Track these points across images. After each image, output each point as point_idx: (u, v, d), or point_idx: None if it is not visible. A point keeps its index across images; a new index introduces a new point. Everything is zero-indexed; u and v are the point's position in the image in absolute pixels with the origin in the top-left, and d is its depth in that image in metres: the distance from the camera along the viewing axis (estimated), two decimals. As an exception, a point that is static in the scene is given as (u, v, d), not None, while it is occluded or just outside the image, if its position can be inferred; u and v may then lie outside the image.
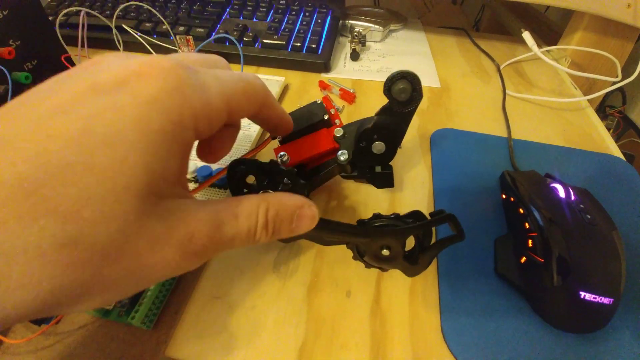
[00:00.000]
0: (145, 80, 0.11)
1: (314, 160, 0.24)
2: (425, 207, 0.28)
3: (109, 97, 0.11)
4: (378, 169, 0.24)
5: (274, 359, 0.20)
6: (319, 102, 0.24)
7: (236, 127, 0.17)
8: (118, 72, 0.11)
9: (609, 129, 0.56)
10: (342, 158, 0.23)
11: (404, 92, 0.20)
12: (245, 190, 0.20)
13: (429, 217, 0.20)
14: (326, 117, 0.23)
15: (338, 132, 0.23)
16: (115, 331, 0.20)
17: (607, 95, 0.57)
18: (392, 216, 0.21)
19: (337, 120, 0.25)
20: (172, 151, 0.11)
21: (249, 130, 0.32)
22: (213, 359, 0.19)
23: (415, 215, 0.20)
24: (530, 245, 0.22)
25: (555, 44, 0.46)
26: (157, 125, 0.11)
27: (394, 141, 0.22)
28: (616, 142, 0.60)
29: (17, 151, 0.10)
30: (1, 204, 0.09)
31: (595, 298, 0.19)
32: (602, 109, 0.58)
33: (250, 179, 0.21)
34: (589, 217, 0.22)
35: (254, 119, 0.18)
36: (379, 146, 0.22)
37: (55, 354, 0.19)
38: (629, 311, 0.22)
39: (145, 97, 0.11)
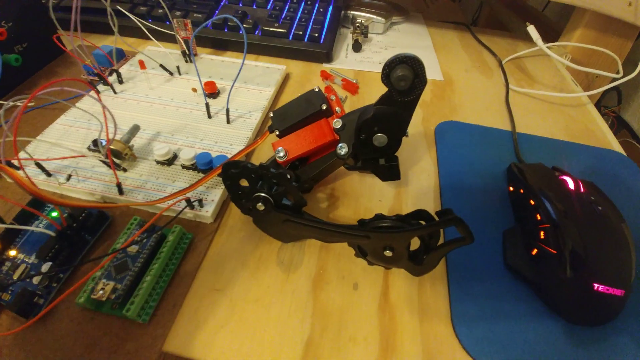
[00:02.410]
0: None
1: (313, 153, 0.22)
2: (431, 199, 0.27)
3: None
4: (382, 161, 0.22)
5: (279, 353, 0.19)
6: (317, 89, 0.23)
7: None
8: None
9: (604, 128, 0.57)
10: (341, 152, 0.21)
11: (404, 79, 0.17)
12: (239, 192, 0.20)
13: (435, 217, 0.18)
14: (325, 106, 0.21)
15: (337, 123, 0.21)
16: (108, 325, 0.19)
17: (602, 94, 0.57)
18: (395, 217, 0.19)
19: (337, 109, 0.23)
20: None
21: (250, 117, 0.30)
22: (213, 355, 0.18)
23: (420, 214, 0.19)
24: (542, 237, 0.21)
25: (553, 42, 0.46)
26: None
27: (396, 132, 0.20)
28: (611, 141, 0.60)
29: None
30: None
31: (607, 290, 0.19)
32: (598, 108, 0.58)
33: (244, 182, 0.20)
34: (600, 208, 0.21)
35: None
36: (380, 138, 0.20)
37: (44, 348, 0.18)
38: (639, 304, 0.21)
39: None
